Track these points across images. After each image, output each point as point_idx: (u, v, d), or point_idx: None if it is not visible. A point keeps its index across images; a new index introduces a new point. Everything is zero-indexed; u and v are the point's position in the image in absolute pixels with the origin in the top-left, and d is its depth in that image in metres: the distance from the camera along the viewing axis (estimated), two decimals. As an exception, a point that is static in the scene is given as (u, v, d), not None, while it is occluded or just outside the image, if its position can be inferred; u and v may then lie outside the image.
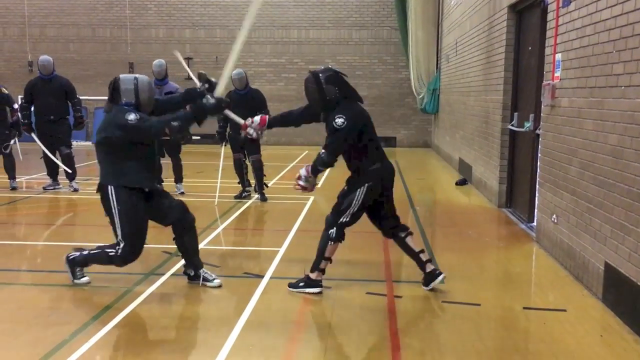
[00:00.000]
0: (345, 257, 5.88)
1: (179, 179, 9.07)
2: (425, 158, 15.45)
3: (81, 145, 16.49)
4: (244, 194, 8.82)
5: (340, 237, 4.85)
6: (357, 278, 5.23)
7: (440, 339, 3.94)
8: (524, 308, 4.56)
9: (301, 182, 4.87)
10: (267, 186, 8.91)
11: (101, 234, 5.79)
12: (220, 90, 4.75)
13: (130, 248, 4.63)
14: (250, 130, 5.12)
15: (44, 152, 9.26)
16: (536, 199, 6.70)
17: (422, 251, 5.01)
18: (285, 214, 7.78)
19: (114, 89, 4.63)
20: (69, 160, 9.27)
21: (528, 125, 7.22)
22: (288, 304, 4.61)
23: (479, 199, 9.22)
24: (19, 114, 9.29)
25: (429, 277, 4.90)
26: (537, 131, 6.76)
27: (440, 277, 4.88)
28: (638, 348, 3.83)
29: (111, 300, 4.54)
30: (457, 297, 4.73)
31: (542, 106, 6.29)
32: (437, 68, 16.06)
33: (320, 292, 4.74)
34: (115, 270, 5.35)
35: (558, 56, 5.75)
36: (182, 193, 8.92)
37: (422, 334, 4.02)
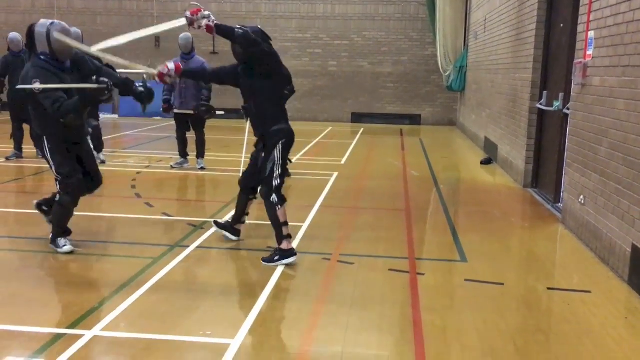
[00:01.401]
0: (368, 234, 5.90)
1: (200, 154, 9.12)
2: (450, 136, 15.31)
3: (108, 118, 16.68)
4: (267, 169, 8.83)
5: (282, 199, 4.94)
6: (380, 255, 5.25)
7: (462, 317, 3.95)
8: (548, 288, 4.54)
9: (165, 71, 4.93)
10: (290, 162, 8.91)
11: (126, 205, 5.89)
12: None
13: (66, 183, 4.90)
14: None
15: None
16: (563, 179, 6.62)
17: (246, 214, 5.38)
18: (308, 190, 7.80)
19: (30, 36, 4.66)
20: (97, 133, 9.39)
21: (557, 104, 7.09)
22: (311, 278, 4.65)
23: (504, 179, 9.14)
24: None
25: (225, 227, 5.42)
26: (566, 110, 6.64)
27: (221, 232, 5.41)
28: (663, 331, 3.79)
29: (137, 271, 4.63)
30: (480, 276, 4.72)
31: (573, 85, 6.17)
32: (464, 45, 15.81)
33: (294, 260, 4.81)
34: (142, 241, 5.45)
35: (591, 34, 5.62)
36: (202, 168, 8.98)
37: (444, 312, 4.02)
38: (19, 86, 4.74)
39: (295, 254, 4.88)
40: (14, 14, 18.85)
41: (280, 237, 4.90)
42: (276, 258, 4.87)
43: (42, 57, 4.70)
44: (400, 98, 18.21)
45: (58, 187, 4.96)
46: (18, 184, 7.90)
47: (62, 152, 4.91)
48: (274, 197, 4.88)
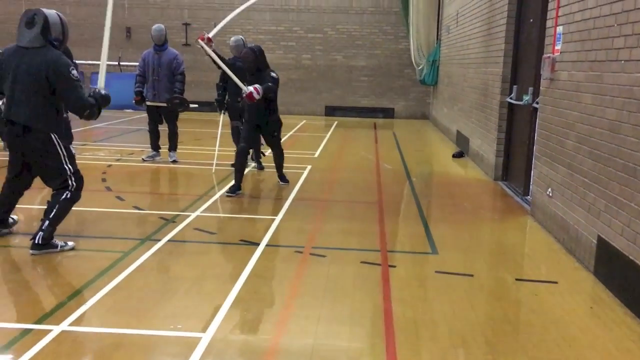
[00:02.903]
0: (340, 227, 5.93)
1: (172, 147, 9.04)
2: (423, 130, 15.43)
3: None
4: (240, 162, 8.81)
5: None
6: (352, 247, 5.28)
7: (433, 308, 4.00)
8: (516, 279, 4.62)
9: (258, 96, 6.82)
10: (264, 155, 8.91)
11: (97, 199, 5.82)
12: (101, 84, 4.93)
13: (78, 179, 4.90)
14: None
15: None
16: (532, 172, 6.73)
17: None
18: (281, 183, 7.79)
19: (45, 24, 4.57)
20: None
21: (527, 98, 7.19)
22: (283, 272, 4.66)
23: (475, 172, 9.25)
24: None
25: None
26: (536, 104, 6.74)
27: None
28: (627, 320, 3.89)
29: (107, 265, 4.58)
30: (451, 268, 4.78)
31: (542, 79, 6.27)
32: (437, 39, 15.92)
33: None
34: (112, 235, 5.39)
35: (559, 29, 5.71)
36: (175, 161, 8.91)
37: (415, 303, 4.07)
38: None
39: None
40: (-21, 3, 18.39)
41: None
42: (285, 180, 7.64)
43: (55, 43, 4.69)
44: (373, 91, 18.26)
45: (72, 182, 4.84)
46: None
47: (69, 149, 4.91)
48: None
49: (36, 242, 4.72)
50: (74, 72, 4.65)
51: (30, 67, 4.56)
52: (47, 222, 4.76)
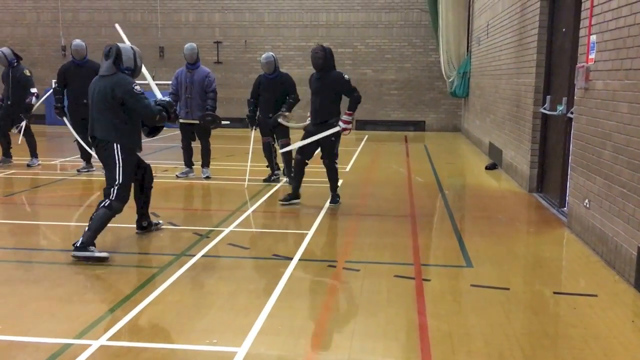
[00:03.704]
0: (373, 241, 5.91)
1: (205, 163, 9.15)
2: (455, 142, 15.31)
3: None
4: (272, 177, 8.87)
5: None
6: (386, 261, 5.25)
7: (468, 322, 3.94)
8: (554, 293, 4.53)
9: (350, 126, 7.14)
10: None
11: (132, 215, 5.91)
12: (158, 95, 5.90)
13: (124, 190, 5.32)
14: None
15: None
16: (568, 183, 6.61)
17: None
18: (313, 197, 7.81)
19: (117, 55, 5.30)
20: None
21: (561, 108, 7.09)
22: (316, 286, 4.66)
23: (509, 184, 9.13)
24: (53, 97, 9.53)
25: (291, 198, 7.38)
26: (570, 115, 6.64)
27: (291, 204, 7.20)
28: (671, 334, 3.78)
29: (143, 281, 4.65)
30: (486, 281, 4.71)
31: (576, 89, 6.18)
32: (467, 51, 15.84)
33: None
34: (147, 251, 5.48)
35: (593, 37, 5.63)
36: (208, 177, 9.02)
37: (450, 317, 4.02)
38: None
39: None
40: (19, 27, 19.03)
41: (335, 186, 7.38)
42: (337, 199, 7.40)
43: (127, 72, 5.37)
44: (404, 105, 18.23)
45: (113, 192, 5.24)
46: (24, 195, 7.95)
47: (132, 162, 5.46)
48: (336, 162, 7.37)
49: (77, 245, 5.09)
50: (137, 87, 5.28)
51: (101, 89, 5.28)
52: (87, 228, 5.15)
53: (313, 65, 7.21)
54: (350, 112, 7.09)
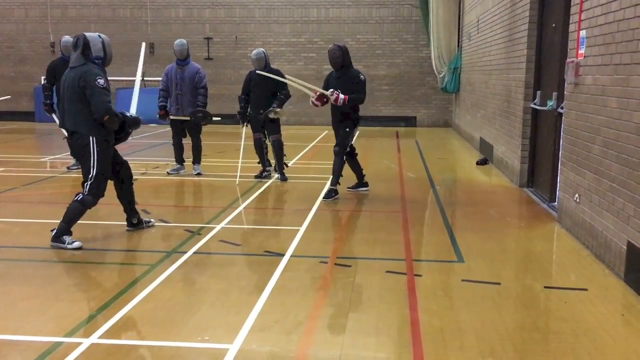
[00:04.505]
0: (365, 237, 5.92)
1: (197, 159, 9.13)
2: (446, 138, 15.35)
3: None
4: (264, 174, 8.86)
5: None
6: (377, 257, 5.26)
7: (459, 317, 3.96)
8: (545, 287, 4.55)
9: (336, 100, 7.15)
10: (287, 166, 8.95)
11: (123, 212, 5.88)
12: (133, 111, 5.71)
13: (97, 185, 5.34)
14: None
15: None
16: (558, 178, 6.64)
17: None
18: (305, 194, 7.81)
19: (85, 45, 5.26)
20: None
21: (551, 103, 7.12)
22: (308, 282, 4.66)
23: (500, 179, 9.16)
24: (42, 93, 9.45)
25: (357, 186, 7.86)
26: (560, 110, 6.67)
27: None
28: (660, 328, 3.81)
29: (135, 278, 4.63)
30: (478, 276, 4.73)
31: (566, 84, 6.20)
32: (458, 46, 15.86)
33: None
34: (138, 248, 5.46)
35: (582, 33, 5.65)
36: (199, 174, 9.00)
37: (442, 313, 4.03)
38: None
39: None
40: (7, 24, 18.86)
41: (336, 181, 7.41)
42: (333, 194, 7.33)
43: (97, 61, 5.32)
44: (395, 100, 18.25)
45: (87, 186, 5.29)
46: (14, 193, 7.90)
47: (108, 154, 5.40)
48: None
49: (53, 234, 5.32)
50: (101, 81, 5.15)
51: (70, 81, 5.28)
52: (61, 219, 5.31)
53: (332, 65, 7.37)
54: (346, 97, 7.16)
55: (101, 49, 5.33)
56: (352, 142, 7.65)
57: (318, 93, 7.35)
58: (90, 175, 5.30)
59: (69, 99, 5.29)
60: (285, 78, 8.28)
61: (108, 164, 5.45)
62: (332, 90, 7.20)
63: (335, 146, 7.50)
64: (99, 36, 5.39)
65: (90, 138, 5.26)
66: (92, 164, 5.29)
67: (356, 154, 7.78)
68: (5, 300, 4.19)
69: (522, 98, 8.26)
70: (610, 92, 4.96)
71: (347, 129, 7.40)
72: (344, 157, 7.52)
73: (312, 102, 7.46)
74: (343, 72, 7.34)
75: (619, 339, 3.67)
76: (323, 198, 7.37)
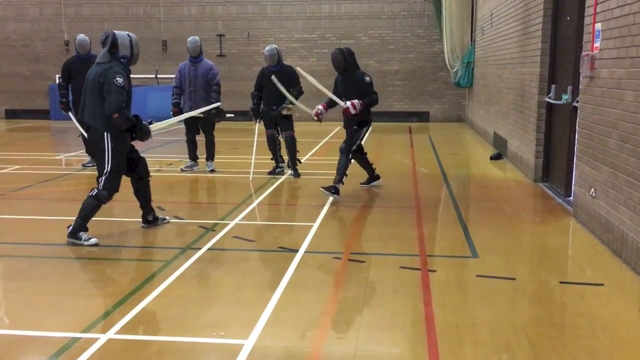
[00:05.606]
0: (378, 232, 5.91)
1: (210, 156, 9.16)
2: (459, 133, 15.27)
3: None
4: (277, 170, 8.88)
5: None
6: (391, 252, 5.25)
7: (474, 312, 3.94)
8: (561, 282, 4.52)
9: (353, 110, 7.06)
10: (300, 162, 8.95)
11: (138, 209, 5.93)
12: (154, 127, 5.77)
13: (112, 180, 5.37)
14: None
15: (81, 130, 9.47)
16: (573, 172, 6.58)
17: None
18: (318, 190, 7.79)
19: (113, 43, 5.33)
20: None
21: (566, 97, 7.06)
22: (322, 277, 4.67)
23: (514, 174, 9.10)
24: (57, 92, 9.52)
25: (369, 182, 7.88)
26: (575, 103, 6.61)
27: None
28: (678, 323, 3.77)
29: (150, 274, 4.66)
30: (492, 271, 4.71)
31: (581, 78, 6.14)
32: (471, 41, 15.76)
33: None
34: (154, 245, 5.50)
35: (598, 26, 5.59)
36: (212, 171, 9.03)
37: (456, 308, 4.02)
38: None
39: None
40: (22, 23, 19.02)
41: (340, 180, 7.17)
42: (332, 191, 7.05)
43: (123, 60, 5.40)
44: (408, 95, 18.17)
45: (101, 182, 5.35)
46: (30, 190, 7.98)
47: (123, 150, 5.44)
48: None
49: (69, 231, 5.35)
50: (119, 79, 5.24)
51: (94, 76, 5.34)
52: (77, 216, 5.35)
53: (336, 69, 7.34)
54: (361, 102, 7.11)
55: (128, 48, 5.40)
56: (362, 142, 7.57)
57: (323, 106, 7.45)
58: (105, 171, 5.36)
59: (90, 93, 5.36)
60: (297, 85, 8.33)
61: (122, 160, 5.48)
62: (345, 103, 7.11)
63: (342, 143, 7.45)
64: (128, 35, 5.45)
65: (105, 134, 5.31)
66: (106, 160, 5.34)
67: (365, 153, 7.76)
68: (23, 297, 4.24)
69: (536, 92, 8.19)
70: (627, 85, 4.91)
71: (355, 127, 7.31)
72: (350, 155, 7.39)
73: (315, 117, 7.45)
74: (347, 76, 7.27)
75: (636, 334, 3.64)
76: (321, 187, 7.26)
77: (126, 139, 5.48)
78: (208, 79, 8.89)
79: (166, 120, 6.08)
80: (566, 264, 5.17)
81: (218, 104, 8.01)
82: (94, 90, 5.31)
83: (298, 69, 8.08)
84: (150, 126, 5.65)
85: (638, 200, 4.63)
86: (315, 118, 7.48)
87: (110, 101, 5.22)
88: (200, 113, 8.77)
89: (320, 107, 7.47)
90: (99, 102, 5.30)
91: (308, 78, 7.53)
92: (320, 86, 7.40)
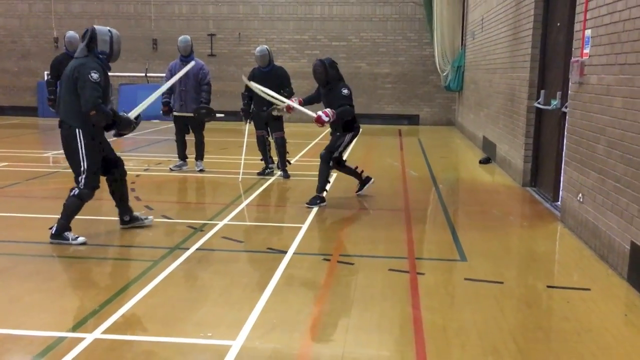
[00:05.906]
0: (367, 235, 5.91)
1: (199, 156, 9.12)
2: (449, 136, 15.33)
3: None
4: (267, 171, 8.86)
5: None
6: (380, 255, 5.26)
7: (462, 315, 3.95)
8: (548, 287, 4.55)
9: (325, 119, 6.80)
10: (289, 163, 8.94)
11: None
12: (133, 114, 5.58)
13: (92, 177, 5.30)
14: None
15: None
16: (562, 177, 6.63)
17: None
18: (307, 191, 7.79)
19: (91, 38, 5.23)
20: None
21: (555, 103, 7.10)
22: (310, 279, 4.66)
23: (503, 178, 9.15)
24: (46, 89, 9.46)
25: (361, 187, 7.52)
26: (564, 109, 6.65)
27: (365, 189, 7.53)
28: (663, 328, 3.80)
29: (137, 274, 4.63)
30: (480, 275, 4.73)
31: (570, 83, 6.19)
32: (462, 45, 15.83)
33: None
34: (141, 244, 5.46)
35: (588, 32, 5.63)
36: (202, 171, 9.00)
37: (445, 311, 4.03)
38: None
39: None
40: (11, 19, 18.87)
41: (322, 188, 6.98)
42: (318, 201, 6.84)
43: (101, 56, 5.28)
44: (398, 98, 18.22)
45: (82, 181, 5.27)
46: (17, 187, 7.91)
47: (96, 147, 5.32)
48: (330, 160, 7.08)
49: (53, 232, 5.29)
50: (95, 75, 5.11)
51: (69, 71, 5.24)
52: (60, 216, 5.29)
53: (317, 81, 7.12)
54: (333, 112, 6.83)
55: (108, 43, 5.27)
56: (344, 151, 7.29)
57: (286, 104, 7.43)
58: (82, 169, 5.25)
59: (65, 88, 5.24)
60: (287, 86, 8.41)
61: (97, 157, 5.36)
62: (314, 113, 6.89)
63: (323, 150, 7.18)
64: (109, 31, 5.33)
65: (77, 130, 5.20)
66: (81, 158, 5.23)
67: (344, 160, 7.50)
68: (9, 295, 4.19)
69: (526, 97, 8.25)
70: (616, 91, 4.95)
71: (338, 134, 7.09)
72: (330, 163, 7.09)
73: (286, 109, 7.54)
74: (330, 88, 7.03)
75: (621, 339, 3.67)
76: (306, 203, 6.92)
77: (100, 136, 5.37)
78: (199, 78, 8.86)
79: (142, 103, 5.77)
80: (553, 268, 5.20)
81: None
82: (69, 85, 5.19)
83: (244, 77, 8.10)
84: (129, 114, 5.51)
85: (625, 206, 4.66)
86: (284, 110, 7.57)
87: (86, 98, 5.08)
88: (190, 113, 8.76)
89: (294, 100, 7.53)
90: (73, 97, 5.18)
91: (263, 90, 7.67)
92: (277, 95, 7.60)
